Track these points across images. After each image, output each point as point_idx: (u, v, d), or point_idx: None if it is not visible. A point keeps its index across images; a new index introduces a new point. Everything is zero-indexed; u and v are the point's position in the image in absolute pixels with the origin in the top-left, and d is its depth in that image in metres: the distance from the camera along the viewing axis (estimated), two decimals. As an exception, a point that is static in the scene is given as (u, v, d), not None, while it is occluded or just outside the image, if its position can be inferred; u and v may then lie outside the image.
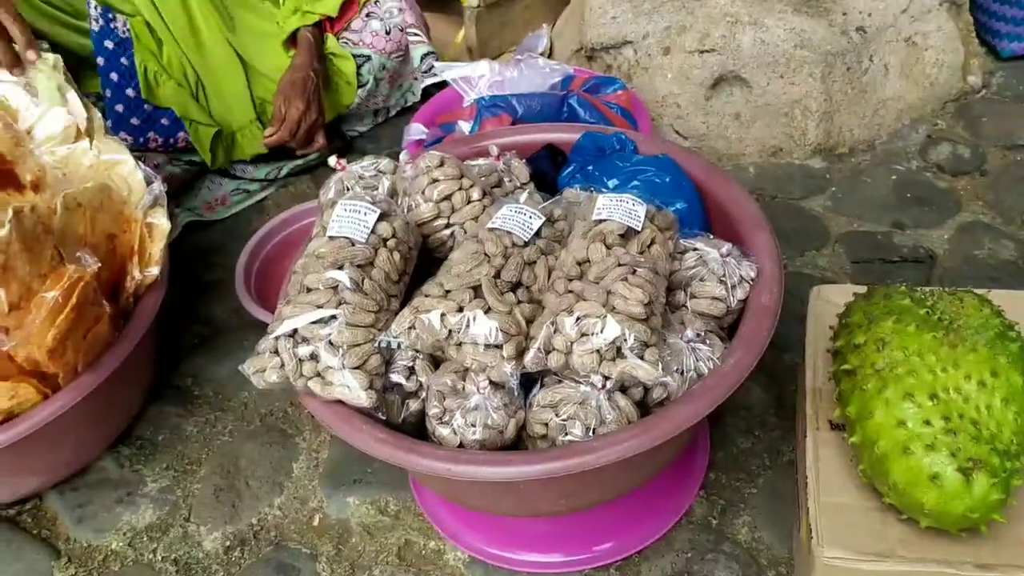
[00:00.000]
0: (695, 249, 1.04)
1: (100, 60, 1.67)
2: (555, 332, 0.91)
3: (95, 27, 1.66)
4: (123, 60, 1.69)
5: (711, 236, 1.07)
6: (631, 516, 1.17)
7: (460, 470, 0.88)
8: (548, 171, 1.26)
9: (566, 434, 0.90)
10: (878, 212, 1.66)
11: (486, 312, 0.92)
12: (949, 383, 0.90)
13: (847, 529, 0.95)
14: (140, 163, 1.36)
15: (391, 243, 1.01)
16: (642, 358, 0.89)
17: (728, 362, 0.93)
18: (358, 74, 1.87)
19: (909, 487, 0.89)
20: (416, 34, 1.94)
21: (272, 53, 1.81)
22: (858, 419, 0.94)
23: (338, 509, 1.26)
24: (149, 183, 1.35)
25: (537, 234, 1.02)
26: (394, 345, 0.97)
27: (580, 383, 0.92)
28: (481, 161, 1.19)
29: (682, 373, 0.93)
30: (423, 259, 1.08)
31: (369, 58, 1.87)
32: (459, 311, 0.92)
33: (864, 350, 0.97)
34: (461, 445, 0.92)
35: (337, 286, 0.95)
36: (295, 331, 0.94)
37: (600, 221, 0.99)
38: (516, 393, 0.94)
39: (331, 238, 0.99)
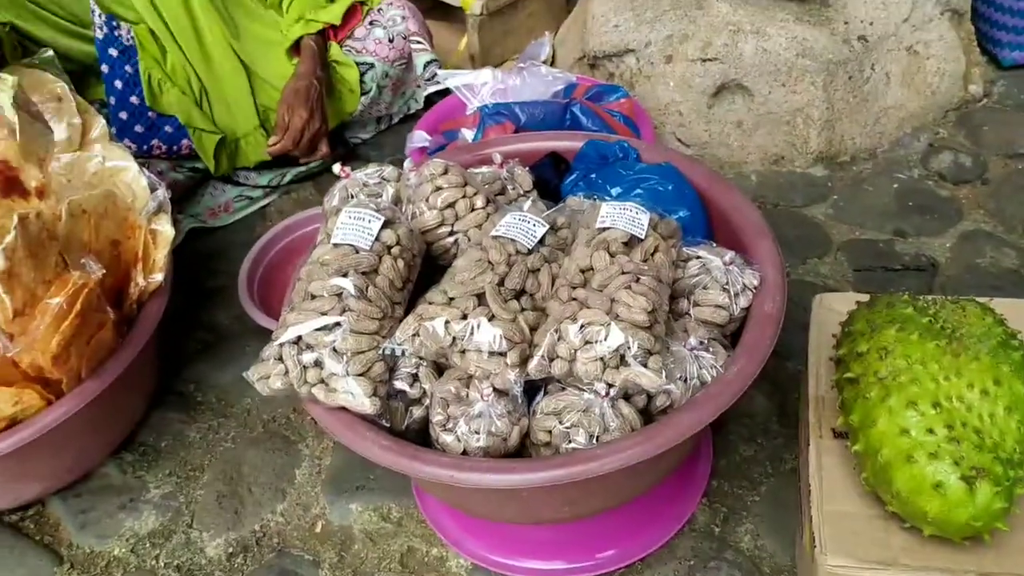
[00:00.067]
0: (698, 257, 1.04)
1: (104, 68, 1.68)
2: (559, 340, 0.91)
3: (99, 35, 1.66)
4: (127, 68, 1.69)
5: (714, 244, 1.07)
6: (634, 523, 1.17)
7: (463, 477, 0.89)
8: (551, 179, 1.26)
9: (570, 441, 0.91)
10: (880, 220, 1.66)
11: (490, 319, 0.92)
12: (952, 392, 0.90)
13: (850, 537, 0.95)
14: (144, 169, 1.37)
15: (395, 250, 1.01)
16: (646, 366, 0.89)
17: (731, 370, 0.94)
18: (361, 82, 1.87)
19: (912, 495, 0.89)
20: (419, 42, 1.95)
21: (276, 60, 1.82)
22: (861, 427, 0.94)
23: (341, 516, 1.26)
24: (153, 190, 1.35)
25: (541, 242, 1.03)
26: (398, 352, 0.97)
27: (584, 391, 0.92)
28: (484, 169, 1.20)
29: (685, 381, 0.93)
30: (427, 266, 1.09)
31: (372, 66, 1.88)
32: (463, 318, 0.93)
33: (867, 358, 0.97)
34: (465, 452, 0.92)
35: (341, 293, 0.95)
36: (299, 338, 0.94)
37: (604, 229, 1.00)
38: (520, 400, 0.94)
39: (335, 245, 1.00)
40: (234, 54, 1.77)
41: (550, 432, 0.92)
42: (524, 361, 0.93)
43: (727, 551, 1.16)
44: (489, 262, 0.98)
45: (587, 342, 0.90)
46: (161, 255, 1.31)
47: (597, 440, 0.90)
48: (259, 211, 1.86)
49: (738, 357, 0.95)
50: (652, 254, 0.99)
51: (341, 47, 1.87)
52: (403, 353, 0.97)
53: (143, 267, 1.30)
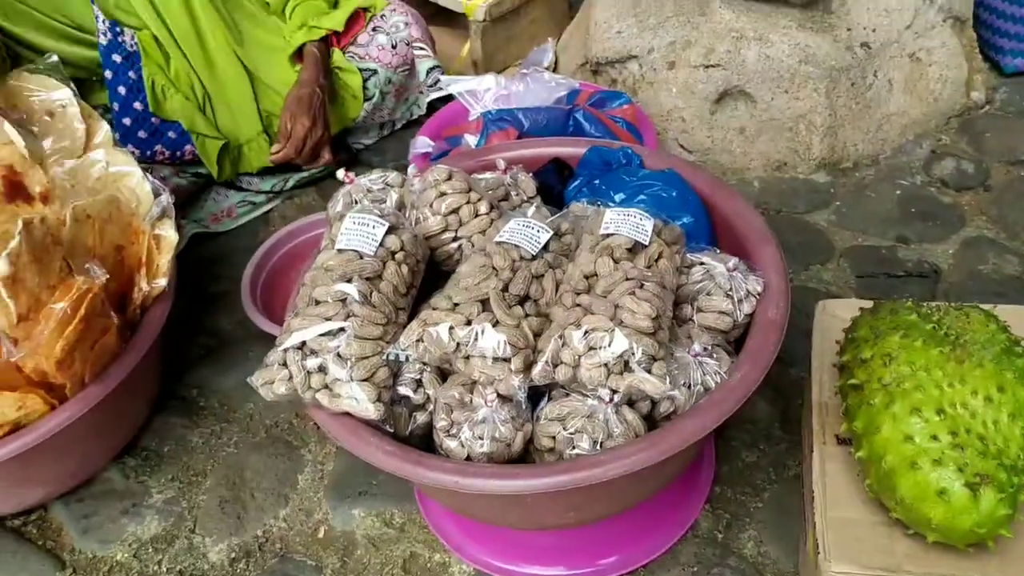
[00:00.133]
0: (702, 263, 1.04)
1: (108, 73, 1.68)
2: (563, 345, 0.91)
3: (103, 41, 1.67)
4: (131, 73, 1.69)
5: (717, 250, 1.08)
6: (637, 529, 1.17)
7: (467, 483, 0.89)
8: (555, 185, 1.26)
9: (573, 447, 0.91)
10: (882, 226, 1.66)
11: (494, 325, 0.92)
12: (956, 398, 0.90)
13: (854, 544, 0.95)
14: (148, 175, 1.37)
15: (399, 256, 1.01)
16: (649, 372, 0.89)
17: (735, 376, 0.94)
18: (364, 88, 1.87)
19: (916, 502, 0.89)
20: (422, 48, 1.95)
21: (279, 67, 1.82)
22: (865, 434, 0.94)
23: (343, 521, 1.26)
24: (157, 195, 1.36)
25: (545, 248, 1.03)
26: (402, 358, 0.97)
27: (588, 396, 0.92)
28: (488, 175, 1.20)
29: (689, 387, 0.93)
30: (431, 272, 1.09)
31: (375, 72, 1.88)
32: (467, 324, 0.93)
33: (871, 365, 0.98)
34: (468, 458, 0.92)
35: (346, 299, 0.95)
36: (303, 343, 0.94)
37: (607, 235, 1.00)
38: (524, 406, 0.94)
39: (340, 251, 1.00)
40: (237, 60, 1.77)
41: (554, 438, 0.92)
42: (528, 367, 0.93)
43: (730, 557, 1.16)
44: (493, 268, 0.98)
45: (591, 348, 0.90)
46: (165, 260, 1.32)
47: (601, 446, 0.90)
48: (262, 216, 1.86)
49: (742, 363, 0.95)
50: (656, 260, 0.99)
51: (344, 53, 1.87)
52: (407, 358, 0.97)
53: (147, 272, 1.30)
